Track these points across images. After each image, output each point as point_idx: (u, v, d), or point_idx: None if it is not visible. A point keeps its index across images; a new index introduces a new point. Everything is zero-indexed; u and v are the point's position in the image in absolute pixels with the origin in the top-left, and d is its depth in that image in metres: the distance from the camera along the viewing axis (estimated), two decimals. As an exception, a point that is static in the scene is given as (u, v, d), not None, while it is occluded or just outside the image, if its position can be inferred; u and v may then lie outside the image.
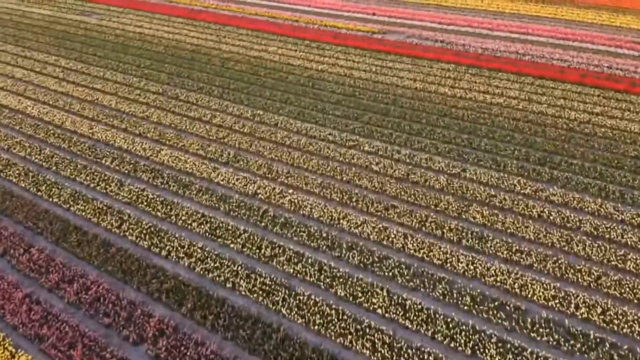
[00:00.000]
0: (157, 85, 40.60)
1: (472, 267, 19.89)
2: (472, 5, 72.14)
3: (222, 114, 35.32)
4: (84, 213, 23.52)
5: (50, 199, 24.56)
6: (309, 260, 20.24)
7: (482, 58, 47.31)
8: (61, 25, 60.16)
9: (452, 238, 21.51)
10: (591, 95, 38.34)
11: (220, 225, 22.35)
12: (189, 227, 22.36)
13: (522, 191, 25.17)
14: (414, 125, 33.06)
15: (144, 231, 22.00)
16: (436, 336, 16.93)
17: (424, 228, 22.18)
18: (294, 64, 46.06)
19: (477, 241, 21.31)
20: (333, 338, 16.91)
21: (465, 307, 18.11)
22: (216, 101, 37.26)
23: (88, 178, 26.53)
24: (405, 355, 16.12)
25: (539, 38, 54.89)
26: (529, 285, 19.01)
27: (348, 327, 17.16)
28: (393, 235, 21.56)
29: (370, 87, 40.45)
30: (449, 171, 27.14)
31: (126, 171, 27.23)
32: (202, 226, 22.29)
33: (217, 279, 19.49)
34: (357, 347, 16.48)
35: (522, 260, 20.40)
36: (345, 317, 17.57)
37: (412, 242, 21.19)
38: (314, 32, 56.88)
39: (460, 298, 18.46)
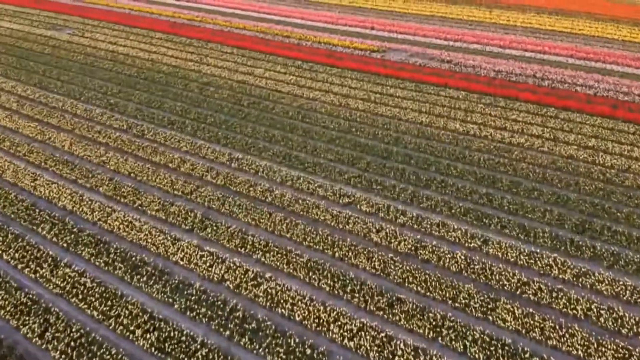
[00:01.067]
0: (122, 119, 35.73)
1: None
2: (479, 17, 67.57)
3: (194, 157, 30.45)
4: (1, 312, 18.53)
5: (-40, 289, 19.59)
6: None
7: (496, 83, 42.55)
8: (28, 42, 55.40)
9: (477, 355, 16.54)
10: (626, 133, 33.58)
11: (172, 333, 17.35)
12: (131, 336, 17.36)
13: (560, 276, 20.27)
14: (421, 173, 28.21)
15: (72, 342, 17.00)
16: None
17: (440, 339, 17.22)
18: (283, 91, 41.29)
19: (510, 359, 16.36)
20: None
21: None
22: (188, 140, 32.40)
23: (17, 255, 21.56)
24: None
25: (557, 57, 50.21)
26: None
27: None
28: (400, 351, 16.59)
29: (369, 120, 35.67)
30: (467, 243, 22.23)
31: (65, 244, 22.28)
32: (148, 335, 17.28)
33: None
34: None
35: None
36: None
37: (424, 361, 16.25)
38: (306, 50, 52.17)
39: None
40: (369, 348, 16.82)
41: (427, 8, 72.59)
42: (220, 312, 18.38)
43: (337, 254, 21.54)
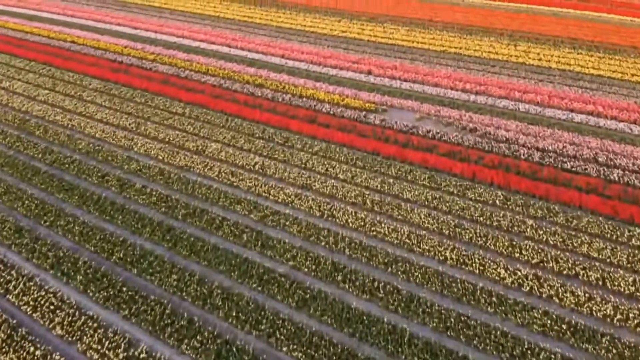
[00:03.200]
0: (-21, 257, 23.96)
1: None
2: (503, 54, 56.36)
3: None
4: None
5: None
6: None
7: (544, 174, 31.02)
8: None
9: None
10: None
11: None
12: None
13: None
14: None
15: None
16: None
17: None
18: (240, 188, 29.83)
19: None
20: None
21: None
22: (69, 311, 20.64)
23: None
24: None
25: (616, 124, 38.79)
26: None
27: None
28: None
29: (363, 259, 23.96)
30: None
31: None
32: None
33: None
34: None
35: None
36: None
37: None
38: (282, 110, 40.75)
39: None
40: None
41: (436, 41, 61.35)
42: None
43: None
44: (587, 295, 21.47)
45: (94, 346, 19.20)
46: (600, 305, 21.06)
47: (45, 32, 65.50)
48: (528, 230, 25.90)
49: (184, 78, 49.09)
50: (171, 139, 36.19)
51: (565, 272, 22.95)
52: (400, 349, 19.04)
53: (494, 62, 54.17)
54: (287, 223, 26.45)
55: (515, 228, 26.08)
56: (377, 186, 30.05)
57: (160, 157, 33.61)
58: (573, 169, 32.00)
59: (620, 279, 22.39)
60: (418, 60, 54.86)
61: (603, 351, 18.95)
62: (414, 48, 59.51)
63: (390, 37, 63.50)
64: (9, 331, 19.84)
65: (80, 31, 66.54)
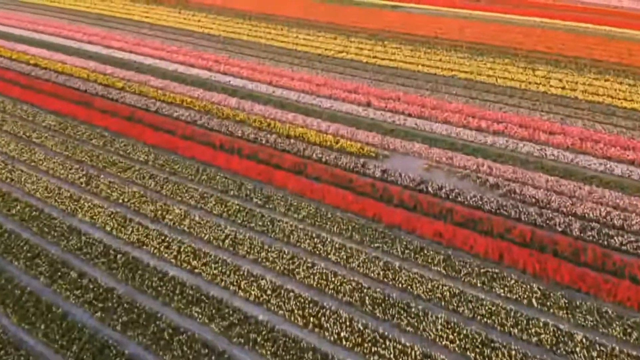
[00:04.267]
0: None
1: None
2: (520, 80, 50.41)
3: None
4: None
5: None
6: None
7: (588, 260, 24.92)
8: None
9: None
10: None
11: None
12: None
13: None
14: None
15: None
16: None
17: None
18: (199, 290, 23.63)
19: None
20: None
21: None
22: None
23: None
24: None
25: (665, 177, 32.72)
26: None
27: None
28: None
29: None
30: None
31: None
32: None
33: None
34: None
35: None
36: None
37: None
38: (265, 155, 34.77)
39: None
40: None
41: (444, 63, 55.41)
42: None
43: None
44: None
45: None
46: None
47: (7, 52, 59.51)
48: (577, 350, 19.73)
49: (153, 112, 43.07)
50: (126, 199, 30.03)
51: None
52: None
53: (511, 90, 48.08)
54: (259, 338, 20.24)
55: (561, 347, 19.91)
56: (378, 274, 23.92)
57: (108, 228, 27.45)
58: (623, 246, 25.89)
59: None
60: (424, 88, 48.84)
61: None
62: (418, 72, 53.50)
63: (392, 58, 57.54)
64: None
65: (46, 51, 60.57)
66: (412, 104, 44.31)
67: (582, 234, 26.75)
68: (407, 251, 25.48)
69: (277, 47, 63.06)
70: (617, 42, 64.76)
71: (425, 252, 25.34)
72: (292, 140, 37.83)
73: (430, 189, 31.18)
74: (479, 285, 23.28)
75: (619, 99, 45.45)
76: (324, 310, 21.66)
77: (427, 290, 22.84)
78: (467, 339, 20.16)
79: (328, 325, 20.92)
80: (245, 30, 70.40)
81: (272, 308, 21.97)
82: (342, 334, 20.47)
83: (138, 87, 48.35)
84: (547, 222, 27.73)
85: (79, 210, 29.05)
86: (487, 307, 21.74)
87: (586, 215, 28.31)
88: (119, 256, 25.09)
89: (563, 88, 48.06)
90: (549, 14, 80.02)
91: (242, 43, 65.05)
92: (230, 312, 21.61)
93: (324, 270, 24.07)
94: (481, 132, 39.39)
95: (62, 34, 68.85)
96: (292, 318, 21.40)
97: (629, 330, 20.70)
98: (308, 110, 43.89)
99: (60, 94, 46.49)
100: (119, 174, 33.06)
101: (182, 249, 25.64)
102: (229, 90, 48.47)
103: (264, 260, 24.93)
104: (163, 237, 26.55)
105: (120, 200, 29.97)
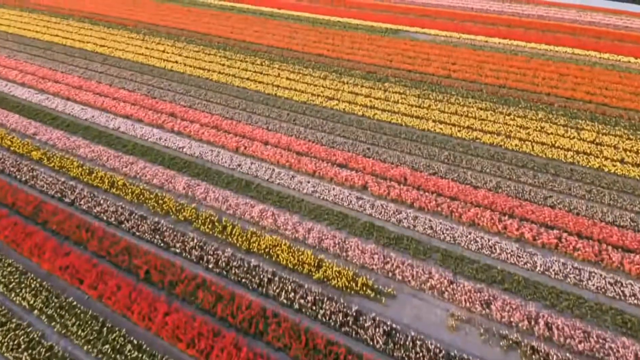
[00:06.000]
0: None
1: None
2: (561, 147, 39.51)
3: None
4: None
5: None
6: None
7: None
8: None
9: None
10: None
11: None
12: None
13: None
14: None
15: None
16: None
17: None
18: None
19: None
20: None
21: None
22: None
23: None
24: None
25: None
26: None
27: None
28: None
29: None
30: None
31: None
32: None
33: None
34: None
35: None
36: None
37: None
38: (211, 299, 23.61)
39: None
40: None
41: (461, 118, 44.38)
42: None
43: None
44: None
45: None
46: None
47: None
48: None
49: (68, 204, 31.81)
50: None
51: None
52: None
53: (555, 166, 36.85)
54: None
55: None
56: None
57: None
58: None
59: None
60: (438, 160, 37.73)
61: None
62: (430, 132, 42.43)
63: (395, 108, 46.49)
64: None
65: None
66: (424, 190, 33.17)
67: None
68: None
69: (253, 91, 52.03)
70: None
71: None
72: (252, 263, 26.63)
73: (460, 378, 19.93)
74: None
75: (702, 181, 34.29)
76: None
77: None
78: None
79: None
80: (217, 67, 59.39)
81: None
82: None
83: (59, 160, 37.19)
84: None
85: None
86: None
87: None
88: None
89: (636, 166, 36.94)
90: (587, 43, 68.86)
91: (211, 85, 54.04)
92: None
93: None
94: (526, 248, 28.18)
95: (-6, 70, 57.77)
96: None
97: None
98: (282, 199, 32.74)
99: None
100: (-24, 341, 21.80)
101: None
102: (180, 163, 37.35)
103: None
104: None
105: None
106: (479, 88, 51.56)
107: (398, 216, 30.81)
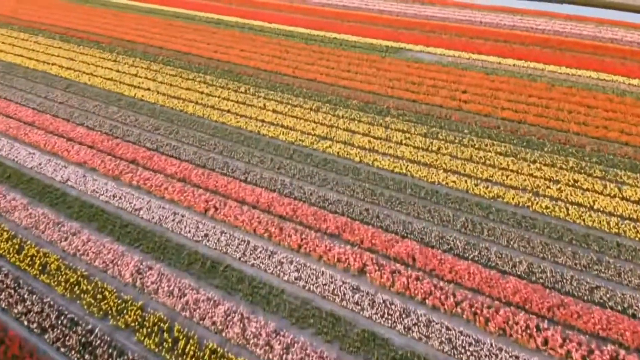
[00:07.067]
0: None
1: None
2: (590, 204, 32.98)
3: None
4: None
5: None
6: None
7: None
8: None
9: None
10: None
11: None
12: None
13: None
14: None
15: None
16: None
17: None
18: None
19: None
20: None
21: None
22: None
23: None
24: None
25: None
26: None
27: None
28: None
29: None
30: None
31: None
32: None
33: None
34: None
35: None
36: None
37: None
38: None
39: None
40: None
41: (476, 166, 37.77)
42: None
43: None
44: None
45: None
46: None
47: None
48: None
49: None
50: None
51: None
52: None
53: (597, 239, 29.98)
54: None
55: None
56: None
57: None
58: None
59: None
60: (453, 227, 30.92)
61: None
62: (441, 186, 35.65)
63: (399, 152, 39.76)
64: None
65: None
66: (436, 277, 26.35)
67: None
68: None
69: (232, 127, 45.24)
70: None
71: None
72: None
73: None
74: None
75: None
76: None
77: None
78: None
79: None
80: (195, 95, 52.67)
81: None
82: None
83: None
84: None
85: None
86: None
87: None
88: None
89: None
90: (619, 67, 62.11)
91: (184, 120, 47.25)
92: None
93: None
94: (575, 374, 21.30)
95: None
96: None
97: None
98: (256, 290, 25.86)
99: None
100: None
101: None
102: (135, 234, 30.49)
103: None
104: None
105: None
106: (496, 124, 44.78)
107: (406, 320, 23.94)
